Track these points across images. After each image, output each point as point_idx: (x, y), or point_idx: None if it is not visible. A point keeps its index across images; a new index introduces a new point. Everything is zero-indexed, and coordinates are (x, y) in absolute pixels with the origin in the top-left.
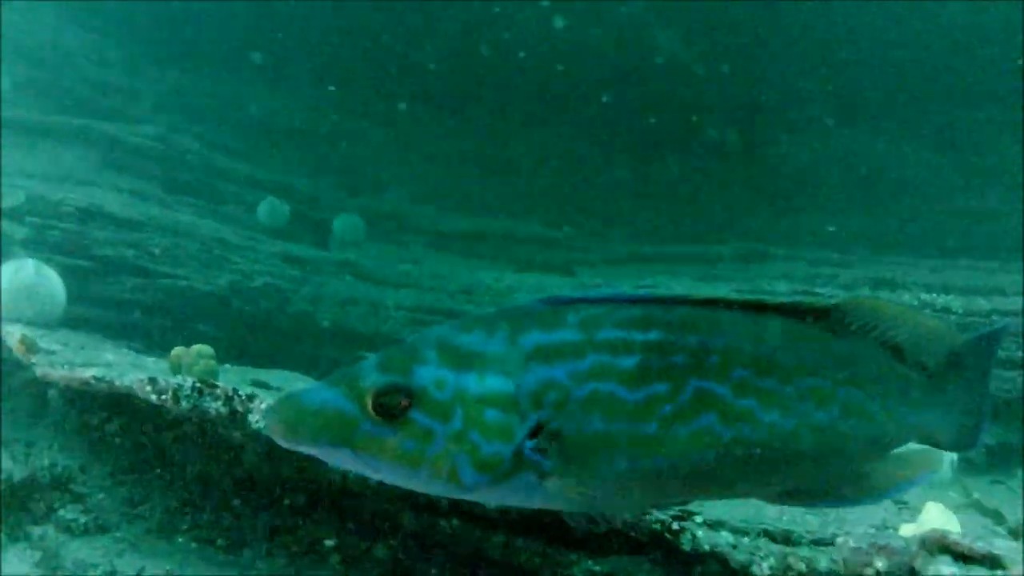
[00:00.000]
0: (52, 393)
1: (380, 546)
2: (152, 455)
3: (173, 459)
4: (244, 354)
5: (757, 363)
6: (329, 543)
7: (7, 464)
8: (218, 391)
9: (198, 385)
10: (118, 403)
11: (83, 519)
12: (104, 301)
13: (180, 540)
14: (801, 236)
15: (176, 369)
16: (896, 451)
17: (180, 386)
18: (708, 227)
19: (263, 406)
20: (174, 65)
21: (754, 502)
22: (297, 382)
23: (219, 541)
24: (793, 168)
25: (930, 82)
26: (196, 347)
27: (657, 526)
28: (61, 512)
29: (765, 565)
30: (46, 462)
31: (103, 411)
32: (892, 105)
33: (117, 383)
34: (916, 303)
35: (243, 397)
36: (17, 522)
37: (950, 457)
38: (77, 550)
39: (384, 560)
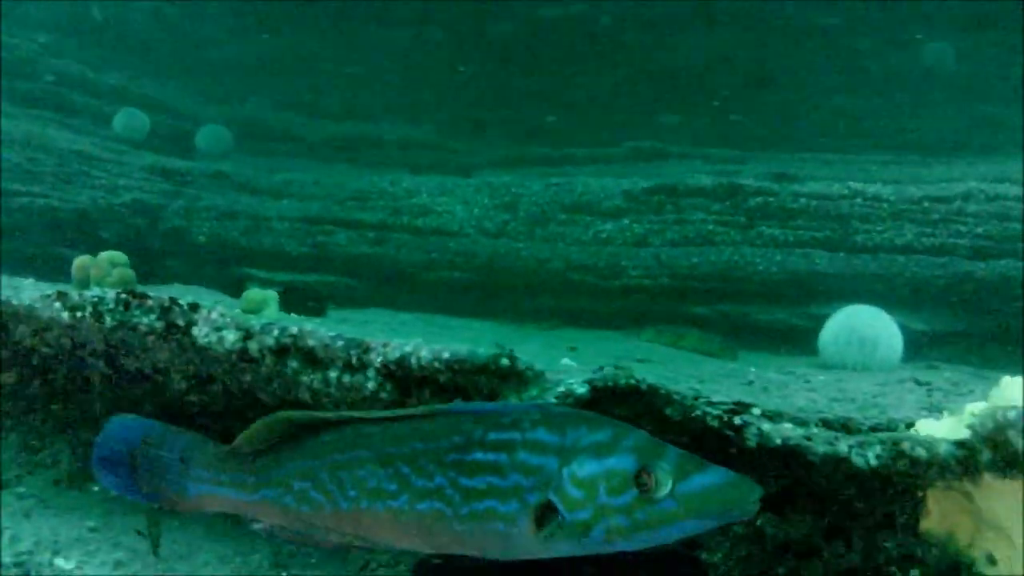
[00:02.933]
0: None
1: None
2: (42, 392)
3: (70, 393)
4: None
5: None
6: None
7: None
8: (150, 302)
9: (124, 296)
10: None
11: None
12: None
13: (96, 490)
14: (688, 134)
15: (83, 283)
16: None
17: (101, 299)
18: (598, 128)
19: (215, 315)
20: None
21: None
22: (202, 295)
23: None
24: (677, 68)
25: None
26: (105, 254)
27: (713, 423)
28: None
29: (871, 455)
30: None
31: None
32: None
33: (15, 302)
34: (846, 191)
35: (184, 307)
36: None
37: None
38: None
39: None
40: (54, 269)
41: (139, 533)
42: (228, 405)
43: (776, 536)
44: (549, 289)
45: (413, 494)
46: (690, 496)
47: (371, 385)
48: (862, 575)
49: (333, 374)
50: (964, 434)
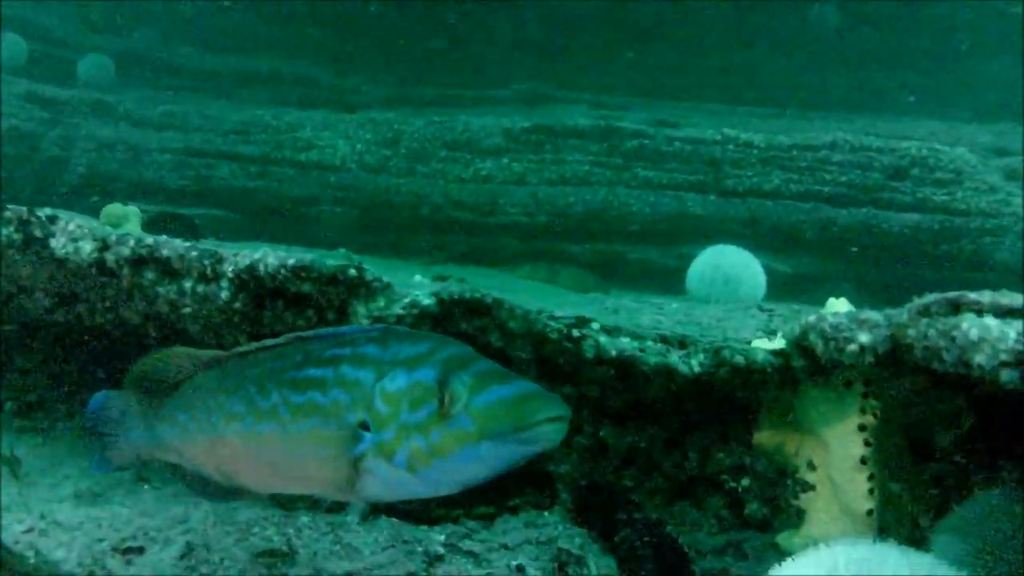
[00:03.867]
0: None
1: None
2: None
3: None
4: None
5: None
6: None
7: None
8: (8, 214)
9: None
10: None
11: None
12: None
13: None
14: (578, 80)
15: None
16: None
17: None
18: (486, 70)
19: (72, 226)
20: None
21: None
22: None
23: (8, 405)
24: (565, 15)
25: None
26: None
27: (554, 335)
28: None
29: (694, 362)
30: None
31: None
32: None
33: None
34: (719, 136)
35: (42, 219)
36: None
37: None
38: None
39: None
40: None
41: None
42: (94, 324)
43: (619, 448)
44: (429, 225)
45: (255, 415)
46: (483, 409)
47: (224, 295)
48: (698, 484)
49: (188, 284)
50: (781, 344)
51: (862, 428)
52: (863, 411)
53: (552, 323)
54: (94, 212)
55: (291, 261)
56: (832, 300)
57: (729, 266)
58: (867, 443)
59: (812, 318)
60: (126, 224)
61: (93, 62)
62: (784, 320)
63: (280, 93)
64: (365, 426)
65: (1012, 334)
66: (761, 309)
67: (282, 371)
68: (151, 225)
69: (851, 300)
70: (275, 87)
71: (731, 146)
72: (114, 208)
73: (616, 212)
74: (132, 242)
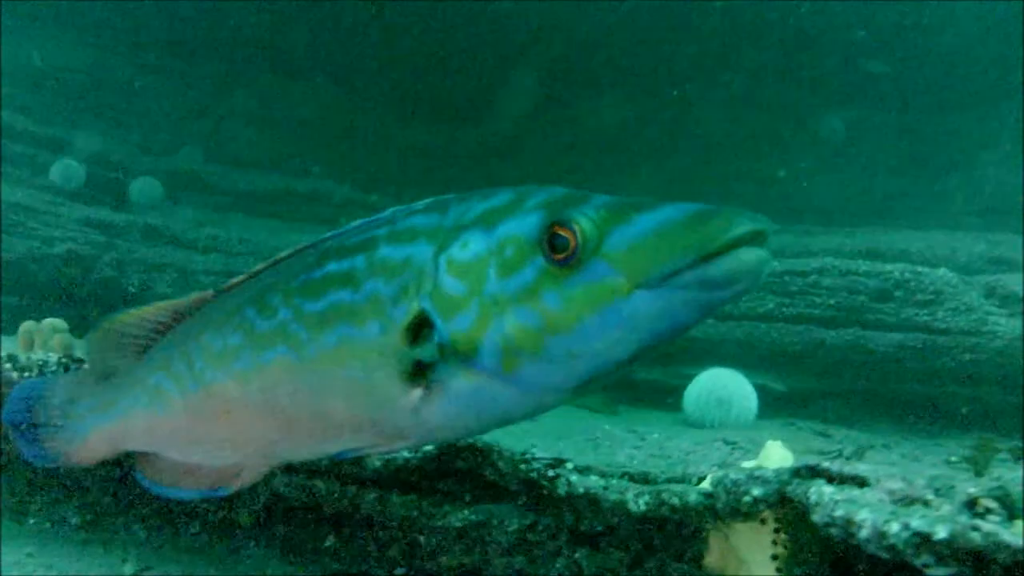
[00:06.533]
0: None
1: (243, 512)
2: None
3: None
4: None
5: None
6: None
7: None
8: (87, 367)
9: (64, 360)
10: None
11: None
12: None
13: (32, 522)
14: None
15: (28, 346)
16: None
17: (45, 362)
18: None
19: None
20: None
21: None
22: None
23: (73, 520)
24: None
25: (765, 53)
26: (48, 321)
27: (533, 475)
28: None
29: (641, 502)
30: None
31: None
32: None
33: None
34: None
35: None
36: None
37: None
38: None
39: (247, 526)
40: None
41: None
42: None
43: (589, 567)
44: None
45: (256, 344)
46: (632, 246)
47: None
48: None
49: None
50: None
51: (774, 558)
52: (775, 543)
53: (535, 464)
54: None
55: None
56: (770, 442)
57: (721, 389)
58: (779, 570)
59: (719, 473)
60: None
61: (144, 184)
62: (744, 453)
63: (318, 213)
64: (425, 321)
65: (829, 503)
66: (726, 443)
67: (290, 277)
68: None
69: (840, 415)
70: (314, 207)
71: None
72: None
73: None
74: None
